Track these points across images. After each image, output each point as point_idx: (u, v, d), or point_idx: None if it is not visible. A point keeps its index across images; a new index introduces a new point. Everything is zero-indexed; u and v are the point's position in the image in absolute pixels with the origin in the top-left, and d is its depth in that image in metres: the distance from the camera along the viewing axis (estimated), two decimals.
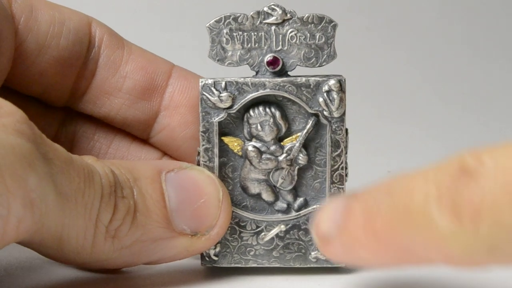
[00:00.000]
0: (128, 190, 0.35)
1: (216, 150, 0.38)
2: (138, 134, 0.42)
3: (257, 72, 0.38)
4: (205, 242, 0.37)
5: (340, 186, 0.38)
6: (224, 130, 0.38)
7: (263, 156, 0.38)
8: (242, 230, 0.38)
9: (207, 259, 0.38)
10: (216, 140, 0.38)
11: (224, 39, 0.38)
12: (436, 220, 0.27)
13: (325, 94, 0.37)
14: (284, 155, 0.38)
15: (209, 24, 0.38)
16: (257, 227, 0.38)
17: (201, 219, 0.37)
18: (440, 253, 0.28)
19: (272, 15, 0.38)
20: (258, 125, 0.38)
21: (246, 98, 0.38)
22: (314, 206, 0.38)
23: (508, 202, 0.26)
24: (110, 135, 0.43)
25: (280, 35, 0.38)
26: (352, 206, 0.31)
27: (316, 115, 0.38)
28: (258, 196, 0.39)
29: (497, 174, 0.26)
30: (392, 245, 0.30)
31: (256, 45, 0.38)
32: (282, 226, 0.38)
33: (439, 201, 0.28)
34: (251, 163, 0.38)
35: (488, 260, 0.27)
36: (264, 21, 0.38)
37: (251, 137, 0.38)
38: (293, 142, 0.38)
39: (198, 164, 0.38)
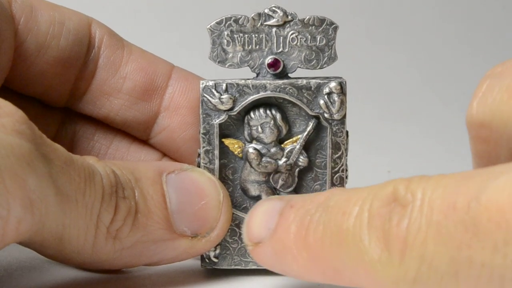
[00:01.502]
0: (129, 191, 0.35)
1: (216, 152, 0.38)
2: (138, 135, 0.42)
3: (258, 74, 0.38)
4: (205, 244, 0.37)
5: None
6: (225, 132, 0.38)
7: (263, 159, 0.38)
8: (242, 232, 0.38)
9: (207, 260, 0.38)
10: (216, 142, 0.38)
11: (225, 40, 0.38)
12: (367, 246, 0.28)
13: (326, 97, 0.37)
14: (284, 159, 0.38)
15: (210, 26, 0.38)
16: None
17: (202, 221, 0.37)
18: (368, 279, 0.28)
19: (273, 17, 0.38)
20: (259, 127, 0.38)
21: (246, 100, 0.38)
22: None
23: (433, 237, 0.26)
24: (110, 136, 0.43)
25: (281, 37, 0.38)
26: (286, 213, 0.32)
27: (317, 118, 0.38)
28: (258, 198, 0.39)
29: (424, 207, 0.27)
30: (322, 262, 0.30)
31: (257, 47, 0.38)
32: None
33: (370, 228, 0.28)
34: (251, 165, 0.38)
35: None
36: (265, 23, 0.38)
37: (252, 139, 0.38)
38: (293, 144, 0.38)
39: (199, 166, 0.38)
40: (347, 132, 0.38)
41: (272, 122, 0.38)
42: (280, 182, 0.38)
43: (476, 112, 0.31)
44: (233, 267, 0.38)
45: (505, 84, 0.30)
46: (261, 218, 0.33)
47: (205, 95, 0.38)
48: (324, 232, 0.30)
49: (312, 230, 0.30)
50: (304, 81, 0.37)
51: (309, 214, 0.31)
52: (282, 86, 0.38)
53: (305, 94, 0.38)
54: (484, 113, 0.31)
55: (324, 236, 0.30)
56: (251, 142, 0.38)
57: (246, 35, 0.38)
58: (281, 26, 0.38)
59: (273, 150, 0.38)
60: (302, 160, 0.38)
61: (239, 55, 0.38)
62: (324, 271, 0.30)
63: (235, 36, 0.38)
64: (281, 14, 0.38)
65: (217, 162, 0.38)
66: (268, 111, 0.38)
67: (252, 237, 0.33)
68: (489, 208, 0.25)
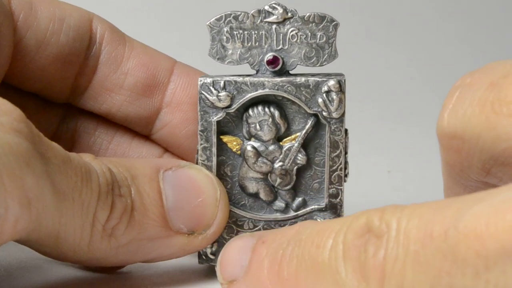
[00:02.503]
0: (125, 189, 0.35)
1: (214, 149, 0.38)
2: (140, 130, 0.42)
3: (257, 71, 0.38)
4: (202, 241, 0.37)
5: (339, 187, 0.38)
6: (223, 128, 0.38)
7: (259, 159, 0.38)
8: (239, 229, 0.38)
9: (204, 257, 0.38)
10: (214, 139, 0.38)
11: (225, 37, 0.38)
12: (344, 278, 0.28)
13: (324, 95, 0.37)
14: (280, 163, 0.38)
15: (210, 22, 0.38)
16: (255, 226, 0.38)
17: (198, 218, 0.37)
18: None
19: (273, 14, 0.38)
20: (257, 124, 0.38)
21: (244, 98, 0.37)
22: (313, 206, 0.38)
23: (411, 266, 0.26)
24: (111, 131, 0.43)
25: (281, 34, 0.38)
26: (258, 249, 0.32)
27: (315, 116, 0.38)
28: (256, 195, 0.39)
29: (400, 237, 0.26)
30: None
31: (257, 44, 0.38)
32: None
33: (346, 260, 0.28)
34: (246, 163, 0.38)
35: None
36: (265, 20, 0.38)
37: (250, 136, 0.38)
38: (292, 142, 0.38)
39: (197, 162, 0.38)
40: (346, 130, 0.38)
41: (270, 119, 0.38)
42: (278, 180, 0.38)
43: (447, 123, 0.31)
44: None
45: (477, 97, 0.30)
46: (234, 256, 0.33)
47: (203, 92, 0.38)
48: (299, 265, 0.30)
49: (285, 264, 0.30)
50: (303, 79, 0.37)
51: (281, 248, 0.31)
52: (281, 84, 0.37)
53: (303, 92, 0.37)
54: (456, 125, 0.30)
55: (299, 269, 0.30)
56: (249, 139, 0.38)
57: (246, 32, 0.38)
58: (281, 23, 0.38)
59: (271, 147, 0.38)
60: (301, 158, 0.38)
61: (238, 52, 0.38)
62: None
63: (235, 32, 0.38)
64: (281, 11, 0.38)
65: (214, 159, 0.38)
66: (266, 109, 0.38)
67: (226, 275, 0.33)
68: (467, 235, 0.25)
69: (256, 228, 0.38)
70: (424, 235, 0.26)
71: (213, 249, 0.38)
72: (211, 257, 0.38)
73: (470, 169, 0.31)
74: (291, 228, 0.31)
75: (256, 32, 0.38)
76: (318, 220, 0.35)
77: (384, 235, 0.27)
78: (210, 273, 0.39)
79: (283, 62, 0.38)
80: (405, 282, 0.26)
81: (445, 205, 0.26)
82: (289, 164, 0.38)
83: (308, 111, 0.38)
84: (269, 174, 0.38)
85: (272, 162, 0.38)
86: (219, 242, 0.38)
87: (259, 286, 0.31)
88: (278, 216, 0.38)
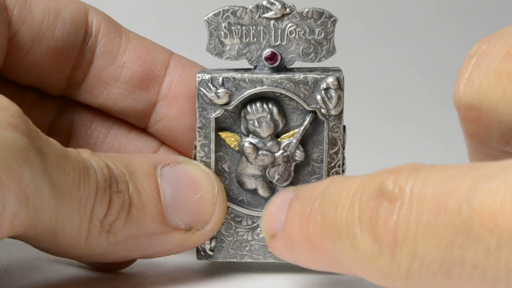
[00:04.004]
0: (123, 185, 0.35)
1: (212, 146, 0.38)
2: (136, 123, 0.42)
3: (255, 67, 0.38)
4: (199, 237, 0.37)
5: None
6: (222, 124, 0.38)
7: (260, 152, 0.38)
8: (238, 226, 0.38)
9: (202, 253, 0.38)
10: (212, 136, 0.38)
11: (222, 33, 0.38)
12: (358, 240, 0.28)
13: (323, 92, 0.37)
14: (281, 151, 0.38)
15: (207, 18, 0.38)
16: (253, 222, 0.38)
17: (196, 214, 0.37)
18: (364, 271, 0.28)
19: (271, 10, 0.37)
20: (255, 121, 0.38)
21: (243, 95, 0.37)
22: None
23: (423, 236, 0.26)
24: (108, 124, 0.43)
25: (279, 30, 0.38)
26: (292, 205, 0.32)
27: (314, 113, 0.38)
28: (254, 191, 0.39)
29: (413, 205, 0.26)
30: (323, 253, 0.30)
31: (255, 39, 0.38)
32: None
33: (361, 222, 0.28)
34: (247, 159, 0.38)
35: (406, 286, 0.27)
36: (263, 15, 0.37)
37: (248, 132, 0.38)
38: (290, 139, 0.38)
39: (195, 158, 0.38)
40: (344, 127, 0.38)
41: (268, 116, 0.38)
42: (276, 176, 0.38)
43: (463, 94, 0.30)
44: (228, 259, 0.38)
45: (493, 67, 0.29)
46: (274, 211, 0.33)
47: (201, 89, 0.37)
48: (322, 224, 0.30)
49: (311, 222, 0.30)
50: (302, 76, 0.37)
51: (309, 205, 0.31)
52: (279, 81, 0.37)
53: (302, 89, 0.37)
54: (472, 95, 0.30)
55: (322, 228, 0.30)
56: (247, 135, 0.38)
57: (244, 28, 0.38)
58: (279, 18, 0.37)
59: (269, 144, 0.38)
60: (299, 155, 0.38)
61: (236, 48, 0.38)
62: (327, 261, 0.30)
63: (233, 28, 0.37)
64: (279, 6, 0.37)
65: (213, 156, 0.38)
66: (265, 105, 0.38)
67: (268, 230, 0.33)
68: (481, 213, 0.25)
69: (255, 224, 0.38)
70: (438, 206, 0.26)
71: (212, 245, 0.38)
72: (210, 253, 0.38)
73: (489, 139, 0.31)
74: (321, 183, 0.31)
75: (254, 27, 0.38)
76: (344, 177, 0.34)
77: (397, 201, 0.27)
78: (209, 272, 0.39)
79: (282, 58, 0.38)
80: (417, 251, 0.26)
81: (460, 175, 0.26)
82: (289, 152, 0.38)
83: (307, 108, 0.37)
84: (267, 170, 0.38)
85: (272, 152, 0.38)
86: (218, 238, 0.38)
87: (292, 241, 0.31)
88: None
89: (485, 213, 0.25)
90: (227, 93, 0.37)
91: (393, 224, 0.27)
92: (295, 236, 0.31)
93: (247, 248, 0.38)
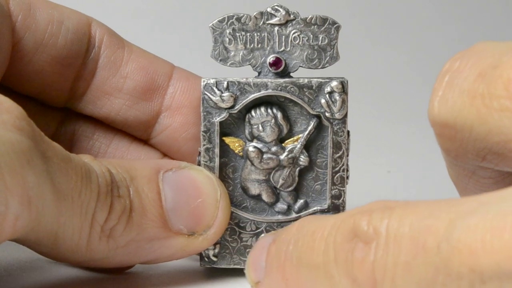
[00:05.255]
0: (124, 190, 0.35)
1: (217, 150, 0.38)
2: (139, 135, 0.42)
3: (259, 73, 0.38)
4: (202, 242, 0.37)
5: (341, 188, 0.38)
6: (225, 130, 0.38)
7: (265, 156, 0.38)
8: (241, 231, 0.38)
9: (206, 259, 0.38)
10: (217, 140, 0.38)
11: (227, 39, 0.38)
12: (337, 282, 0.28)
13: (327, 96, 0.37)
14: (286, 153, 0.38)
15: (212, 24, 0.38)
16: (257, 228, 0.38)
17: (198, 219, 0.37)
18: None
19: (276, 16, 0.38)
20: (260, 125, 0.38)
21: (248, 99, 0.38)
22: (315, 208, 0.38)
23: (401, 276, 0.26)
24: (110, 135, 0.43)
25: (283, 36, 0.38)
26: (270, 250, 0.32)
27: (318, 117, 0.38)
28: (258, 197, 0.39)
29: (390, 246, 0.26)
30: None
31: (259, 45, 0.38)
32: None
33: (337, 265, 0.28)
34: (252, 163, 0.38)
35: None
36: (267, 22, 0.38)
37: (252, 137, 0.38)
38: (294, 144, 0.38)
39: (199, 164, 0.38)
40: (348, 131, 0.38)
41: (273, 121, 0.38)
42: (281, 181, 0.38)
43: (438, 112, 0.30)
44: (232, 266, 0.38)
45: (466, 87, 0.29)
46: (255, 257, 0.33)
47: (206, 93, 0.38)
48: (298, 266, 0.29)
49: (288, 264, 0.30)
50: (306, 80, 0.37)
51: (284, 248, 0.30)
52: (284, 85, 0.37)
53: (306, 93, 0.37)
54: (446, 114, 0.30)
55: (298, 270, 0.29)
56: (251, 140, 0.38)
57: (248, 34, 0.38)
58: (283, 25, 0.38)
59: (273, 149, 0.38)
60: (303, 160, 0.38)
61: (241, 54, 0.38)
62: None
63: (237, 34, 0.38)
64: (284, 13, 0.38)
65: (217, 160, 0.38)
66: (269, 110, 0.38)
67: (251, 277, 0.33)
68: (461, 251, 0.24)
69: (259, 230, 0.38)
70: (416, 246, 0.25)
71: (216, 251, 0.38)
72: (214, 259, 0.38)
73: (465, 155, 0.31)
74: (293, 226, 0.31)
75: (258, 34, 0.38)
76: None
77: (372, 241, 0.27)
78: (210, 274, 0.38)
79: (285, 64, 0.38)
80: None
81: (437, 212, 0.26)
82: (295, 154, 0.38)
83: (311, 112, 0.38)
84: (271, 175, 0.38)
85: (277, 155, 0.38)
86: (222, 244, 0.38)
87: (276, 285, 0.31)
88: (280, 218, 0.38)
89: (465, 251, 0.24)
90: (232, 96, 0.37)
91: (370, 264, 0.26)
92: (274, 281, 0.31)
93: None
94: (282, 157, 0.38)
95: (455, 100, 0.30)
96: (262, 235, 0.35)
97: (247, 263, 0.33)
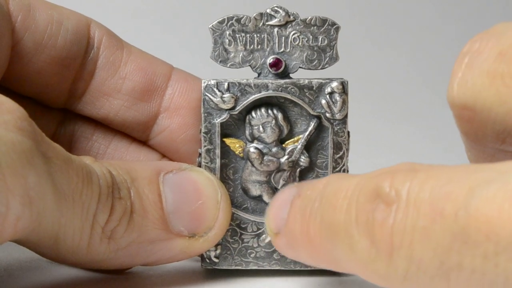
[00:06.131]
0: (125, 191, 0.35)
1: (218, 151, 0.38)
2: (137, 136, 0.42)
3: (259, 74, 0.38)
4: (203, 244, 0.37)
5: None
6: (226, 131, 0.38)
7: (265, 158, 0.38)
8: (243, 232, 0.38)
9: (207, 261, 0.38)
10: (218, 141, 0.38)
11: (227, 40, 0.38)
12: (356, 242, 0.28)
13: (327, 96, 0.37)
14: (286, 157, 0.38)
15: (212, 25, 0.38)
16: (258, 229, 0.38)
17: (199, 221, 0.36)
18: (361, 272, 0.28)
19: (275, 17, 0.38)
20: (260, 126, 0.38)
21: (248, 99, 0.38)
22: None
23: (419, 241, 0.26)
24: (109, 136, 0.43)
25: (283, 37, 0.38)
26: (294, 203, 0.32)
27: (318, 117, 0.38)
28: (259, 198, 0.39)
29: (409, 210, 0.26)
30: (323, 252, 0.30)
31: (259, 46, 0.38)
32: None
33: (358, 224, 0.28)
34: (252, 165, 0.38)
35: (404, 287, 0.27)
36: (267, 23, 0.38)
37: (253, 138, 0.38)
38: (295, 144, 0.38)
39: (199, 166, 0.38)
40: (348, 132, 0.38)
41: (273, 121, 0.38)
42: (281, 182, 0.38)
43: (457, 93, 0.30)
44: (233, 267, 0.38)
45: (486, 68, 0.29)
46: (277, 208, 0.32)
47: (206, 94, 0.38)
48: (321, 224, 0.30)
49: (311, 222, 0.30)
50: (306, 81, 0.37)
51: (309, 205, 0.30)
52: (284, 86, 0.37)
53: (307, 93, 0.38)
54: (466, 95, 0.30)
55: (321, 229, 0.29)
56: (252, 141, 0.38)
57: (248, 35, 0.38)
58: (283, 26, 0.38)
59: (274, 150, 0.38)
60: (304, 160, 0.38)
61: (240, 55, 0.38)
62: (327, 260, 0.30)
63: (237, 35, 0.38)
64: (283, 14, 0.38)
65: (218, 161, 0.38)
66: (269, 111, 0.38)
67: (272, 227, 0.33)
68: (478, 219, 0.24)
69: (260, 231, 0.38)
70: (434, 212, 0.25)
71: (217, 252, 0.38)
72: (215, 260, 0.38)
73: (484, 137, 0.31)
74: (321, 181, 0.31)
75: (258, 35, 0.38)
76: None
77: (393, 204, 0.27)
78: (210, 274, 0.38)
79: (285, 65, 0.38)
80: (414, 255, 0.26)
81: (457, 179, 0.26)
82: (294, 158, 0.38)
83: (311, 112, 0.38)
84: (272, 176, 0.38)
85: (278, 158, 0.38)
86: (223, 245, 0.38)
87: (295, 239, 0.31)
88: None
89: (483, 219, 0.24)
90: (232, 97, 0.37)
91: (390, 227, 0.26)
92: (296, 235, 0.31)
93: (252, 255, 0.38)
94: (282, 160, 0.38)
95: (474, 81, 0.30)
96: (285, 187, 0.34)
97: (268, 213, 0.33)
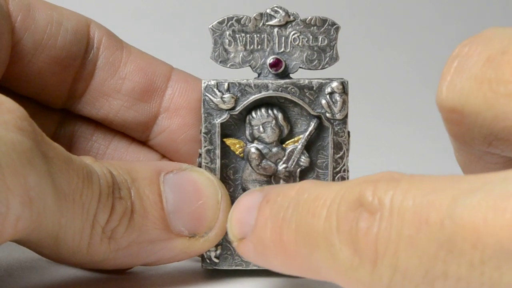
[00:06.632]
0: (125, 191, 0.35)
1: (218, 152, 0.38)
2: (137, 136, 0.42)
3: (259, 74, 0.38)
4: (203, 244, 0.37)
5: None
6: (226, 132, 0.38)
7: (263, 161, 0.38)
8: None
9: (208, 261, 0.38)
10: (218, 141, 0.38)
11: (227, 40, 0.38)
12: (337, 250, 0.27)
13: (327, 96, 0.37)
14: (284, 165, 0.38)
15: (212, 26, 0.38)
16: None
17: (199, 221, 0.37)
18: (342, 280, 0.28)
19: (275, 17, 0.38)
20: (260, 126, 0.38)
21: (248, 100, 0.38)
22: None
23: (404, 249, 0.26)
24: (109, 136, 0.43)
25: (283, 37, 0.38)
26: (263, 209, 0.31)
27: (319, 117, 0.38)
28: None
29: (394, 218, 0.26)
30: (298, 259, 0.29)
31: (259, 47, 0.38)
32: None
33: (339, 233, 0.28)
34: (250, 165, 0.38)
35: None
36: (267, 23, 0.38)
37: (253, 139, 0.38)
38: (295, 145, 0.38)
39: (200, 166, 0.38)
40: (348, 132, 0.38)
41: (273, 122, 0.38)
42: (281, 182, 0.38)
43: (445, 97, 0.30)
44: (234, 267, 0.38)
45: (474, 72, 0.29)
46: (241, 213, 0.32)
47: (207, 94, 0.38)
48: (297, 231, 0.29)
49: (285, 228, 0.30)
50: (306, 81, 0.37)
51: (282, 211, 0.30)
52: (284, 86, 0.37)
53: (307, 93, 0.38)
54: (454, 99, 0.30)
55: (297, 236, 0.29)
56: (252, 142, 0.38)
57: (248, 35, 0.38)
58: (283, 26, 0.38)
59: (274, 150, 0.38)
60: (304, 160, 0.38)
61: (240, 55, 0.38)
62: (301, 267, 0.30)
63: (237, 36, 0.38)
64: (283, 14, 0.38)
65: (218, 161, 0.38)
66: (270, 111, 0.38)
67: (235, 233, 0.33)
68: (464, 227, 0.24)
69: None
70: (419, 220, 0.25)
71: (217, 252, 0.38)
72: (215, 260, 0.38)
73: (472, 140, 0.31)
74: (292, 188, 0.31)
75: (258, 35, 0.38)
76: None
77: (377, 212, 0.26)
78: (210, 274, 0.38)
79: (285, 65, 0.38)
80: (399, 263, 0.26)
81: (441, 188, 0.26)
82: (292, 166, 0.38)
83: (312, 112, 0.38)
84: (272, 177, 0.38)
85: (276, 164, 0.38)
86: (223, 245, 0.38)
87: (264, 246, 0.31)
88: None
89: (468, 227, 0.24)
90: (232, 98, 0.37)
91: (374, 235, 0.26)
92: (266, 241, 0.31)
93: None
94: (279, 168, 0.38)
95: (463, 85, 0.30)
96: (247, 192, 0.34)
97: (230, 218, 0.33)
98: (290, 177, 0.38)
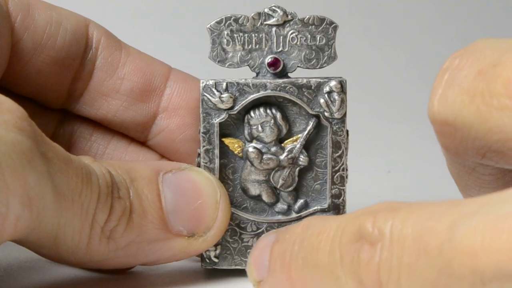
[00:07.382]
0: (124, 191, 0.35)
1: (216, 151, 0.38)
2: (136, 136, 0.42)
3: (257, 74, 0.38)
4: (202, 244, 0.37)
5: (341, 188, 0.38)
6: (225, 131, 0.38)
7: (264, 156, 0.38)
8: (242, 232, 0.38)
9: (207, 260, 0.38)
10: (217, 141, 0.38)
11: (225, 40, 0.38)
12: (343, 283, 0.28)
13: (326, 95, 0.37)
14: (286, 153, 0.38)
15: (210, 25, 0.38)
16: (258, 228, 0.38)
17: (198, 221, 0.37)
18: None
19: (273, 17, 0.38)
20: (259, 126, 0.38)
21: (247, 99, 0.38)
22: (315, 208, 0.38)
23: (406, 278, 0.26)
24: (108, 136, 0.43)
25: (281, 37, 0.38)
26: (274, 249, 0.32)
27: (317, 116, 0.38)
28: (258, 197, 0.39)
29: (394, 247, 0.26)
30: None
31: (257, 46, 0.38)
32: None
33: (343, 266, 0.28)
34: (252, 164, 0.38)
35: None
36: (265, 23, 0.38)
37: (252, 138, 0.38)
38: (294, 144, 0.38)
39: (199, 166, 0.38)
40: (347, 131, 0.38)
41: (272, 121, 0.38)
42: (280, 181, 0.38)
43: (437, 110, 0.31)
44: (233, 267, 0.38)
45: (466, 85, 0.29)
46: (257, 256, 0.33)
47: (205, 94, 0.38)
48: (304, 267, 0.30)
49: (293, 265, 0.30)
50: (305, 80, 0.38)
51: (289, 248, 0.31)
52: (282, 85, 0.38)
53: (305, 93, 0.38)
54: (446, 112, 0.30)
55: (304, 271, 0.29)
56: (251, 141, 0.38)
57: (246, 35, 0.38)
58: (281, 25, 0.38)
59: (273, 149, 0.38)
60: (303, 159, 0.38)
61: (239, 55, 0.38)
62: None
63: (235, 35, 0.38)
64: (281, 13, 0.38)
65: (217, 161, 0.38)
66: (268, 110, 0.38)
67: (254, 275, 0.33)
68: (462, 252, 0.24)
69: (259, 231, 0.38)
70: (418, 247, 0.26)
71: (217, 252, 0.38)
72: (215, 260, 0.38)
73: (465, 152, 0.31)
74: (298, 226, 0.31)
75: (256, 34, 0.38)
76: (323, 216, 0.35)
77: (378, 243, 0.27)
78: (210, 274, 0.38)
79: (284, 64, 0.38)
80: None
81: (438, 213, 0.26)
82: (295, 156, 0.38)
83: (310, 111, 0.38)
84: (271, 175, 0.38)
85: (277, 156, 0.38)
86: (223, 245, 0.38)
87: (278, 286, 0.31)
88: (281, 218, 0.38)
89: (466, 252, 0.24)
90: (231, 97, 0.37)
91: (376, 266, 0.26)
92: (279, 281, 0.31)
93: None
94: (282, 157, 0.38)
95: (454, 98, 0.30)
96: (264, 235, 0.34)
97: (249, 262, 0.33)
98: (293, 166, 0.38)
